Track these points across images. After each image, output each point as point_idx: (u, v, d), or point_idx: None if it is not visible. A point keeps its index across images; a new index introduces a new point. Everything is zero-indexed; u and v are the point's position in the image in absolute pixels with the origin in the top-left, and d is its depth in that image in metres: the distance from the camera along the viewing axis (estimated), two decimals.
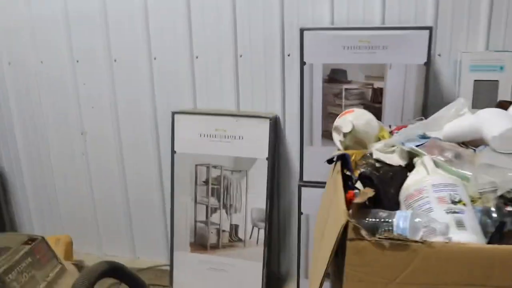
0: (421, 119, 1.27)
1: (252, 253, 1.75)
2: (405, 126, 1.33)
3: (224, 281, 1.78)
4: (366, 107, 1.54)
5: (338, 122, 1.23)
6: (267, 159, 1.68)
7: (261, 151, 1.69)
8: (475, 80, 1.54)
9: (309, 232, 1.70)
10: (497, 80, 1.54)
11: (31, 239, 1.23)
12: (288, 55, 1.72)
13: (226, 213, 1.76)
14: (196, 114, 1.74)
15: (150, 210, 2.04)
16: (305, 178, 1.65)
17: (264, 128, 1.67)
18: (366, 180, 0.96)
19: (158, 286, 1.90)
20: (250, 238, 1.75)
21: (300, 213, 1.69)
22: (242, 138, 1.69)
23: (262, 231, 1.73)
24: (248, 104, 1.82)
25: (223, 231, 1.77)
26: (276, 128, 1.72)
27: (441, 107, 1.20)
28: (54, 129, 2.03)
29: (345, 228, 0.78)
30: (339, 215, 0.84)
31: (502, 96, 1.54)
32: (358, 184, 1.03)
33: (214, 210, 1.77)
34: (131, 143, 1.97)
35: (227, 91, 1.82)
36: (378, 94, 1.53)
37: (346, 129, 1.17)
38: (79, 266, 1.41)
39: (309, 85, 1.54)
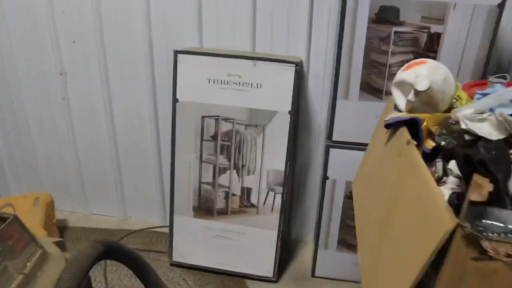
0: (504, 77, 1.01)
1: (265, 221, 1.51)
2: (483, 83, 1.07)
3: (231, 250, 1.56)
4: (417, 55, 1.27)
5: (404, 75, 0.95)
6: (289, 112, 1.41)
7: (283, 103, 1.40)
8: None
9: (334, 200, 1.47)
10: None
11: (1, 219, 0.95)
12: None
13: (238, 174, 1.50)
14: (204, 55, 1.43)
15: (143, 166, 1.77)
16: (334, 138, 1.39)
17: (288, 75, 1.38)
18: (476, 164, 0.69)
19: (155, 252, 1.67)
20: (264, 204, 1.51)
21: (325, 177, 1.44)
22: (260, 86, 1.40)
23: (278, 196, 1.49)
24: (266, 45, 1.52)
25: (233, 195, 1.52)
26: (300, 76, 1.43)
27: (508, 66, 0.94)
28: (27, 69, 1.68)
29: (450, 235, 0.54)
30: (436, 214, 0.59)
31: None
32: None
33: (223, 170, 1.51)
34: (121, 87, 1.65)
35: (240, 28, 1.50)
36: (434, 41, 1.25)
37: (422, 86, 0.89)
38: (62, 245, 1.14)
39: (351, 25, 1.24)
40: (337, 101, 1.34)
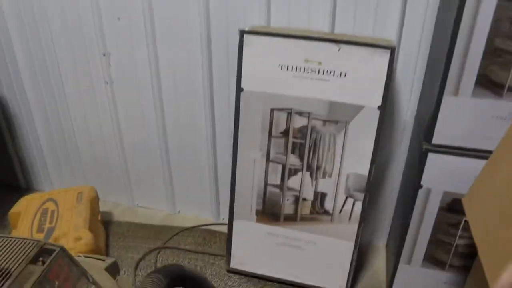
0: None
1: (341, 230, 1.30)
2: None
3: (298, 260, 1.36)
4: None
5: None
6: (379, 108, 1.16)
7: (372, 96, 1.16)
8: None
9: (425, 211, 1.23)
10: None
11: (43, 251, 0.76)
12: None
13: (311, 177, 1.28)
14: (277, 36, 1.17)
15: (196, 159, 1.56)
16: (435, 141, 1.14)
17: (380, 63, 1.12)
18: None
19: (210, 255, 1.49)
20: (340, 211, 1.29)
21: (419, 185, 1.20)
22: (345, 75, 1.15)
23: (358, 204, 1.27)
24: (347, 24, 1.26)
25: (304, 199, 1.31)
26: (393, 64, 1.17)
27: None
28: (66, 48, 1.47)
29: None
30: None
31: None
32: None
33: (294, 172, 1.29)
34: (172, 71, 1.43)
35: (317, 2, 1.24)
36: None
37: None
38: (115, 268, 0.95)
39: (475, 1, 0.97)
40: (444, 97, 1.08)
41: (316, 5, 1.24)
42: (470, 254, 1.28)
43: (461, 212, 1.22)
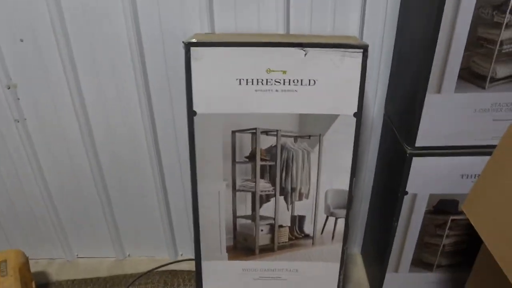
0: None
1: (324, 252, 1.17)
2: None
3: None
4: None
5: None
6: (355, 115, 1.03)
7: (347, 103, 1.02)
8: None
9: (412, 217, 1.14)
10: None
11: None
12: None
13: (286, 201, 1.12)
14: (231, 46, 0.99)
15: (142, 196, 1.34)
16: (418, 144, 1.04)
17: (353, 65, 0.99)
18: None
19: None
20: (322, 232, 1.15)
21: (404, 192, 1.10)
22: (315, 83, 1.00)
23: (340, 222, 1.14)
24: (304, 23, 1.11)
25: (281, 226, 1.15)
26: (366, 65, 1.04)
27: None
28: None
29: None
30: None
31: None
32: None
33: (266, 198, 1.12)
34: (100, 98, 1.19)
35: (266, 1, 1.07)
36: None
37: None
38: None
39: None
40: (427, 96, 0.98)
41: (266, 4, 1.07)
42: (457, 252, 1.22)
43: (448, 212, 1.14)
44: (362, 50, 0.97)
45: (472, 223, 0.89)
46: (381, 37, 1.13)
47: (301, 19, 1.10)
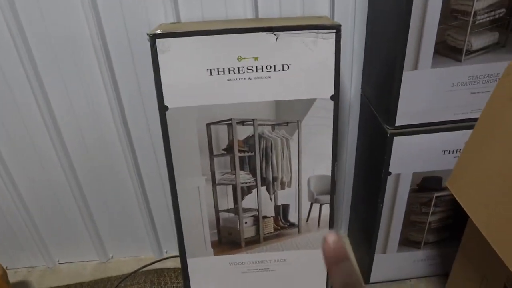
0: None
1: (311, 240, 1.15)
2: None
3: (270, 283, 1.19)
4: None
5: None
6: (332, 98, 1.00)
7: (323, 86, 0.99)
8: None
9: (396, 197, 1.12)
10: None
11: None
12: None
13: (268, 191, 1.09)
14: (198, 35, 0.94)
15: (120, 197, 1.29)
16: (399, 123, 1.02)
17: (327, 46, 0.95)
18: None
19: None
20: (307, 220, 1.13)
21: (387, 173, 1.08)
22: (288, 67, 0.97)
23: (325, 208, 1.11)
24: (272, 5, 1.07)
25: (265, 217, 1.12)
26: (340, 45, 1.00)
27: None
28: None
29: None
30: None
31: None
32: None
33: (248, 190, 1.09)
34: (66, 99, 1.13)
35: None
36: None
37: None
38: None
39: None
40: (404, 74, 0.95)
41: None
42: (443, 228, 1.21)
43: (432, 189, 1.13)
44: (335, 31, 0.94)
45: (457, 199, 0.88)
46: (353, 15, 1.09)
47: (270, 2, 1.06)
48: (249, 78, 0.97)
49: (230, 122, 1.01)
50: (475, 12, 0.90)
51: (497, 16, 0.92)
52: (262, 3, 1.06)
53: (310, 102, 1.00)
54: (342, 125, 1.25)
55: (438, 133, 1.04)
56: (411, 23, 0.89)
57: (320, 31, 0.94)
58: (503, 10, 0.91)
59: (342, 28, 0.99)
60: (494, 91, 0.82)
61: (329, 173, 1.07)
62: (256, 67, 0.96)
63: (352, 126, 1.26)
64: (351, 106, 1.22)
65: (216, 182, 1.07)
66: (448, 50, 0.94)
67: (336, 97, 1.00)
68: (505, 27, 0.93)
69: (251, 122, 1.02)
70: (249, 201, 1.10)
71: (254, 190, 1.09)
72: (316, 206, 1.11)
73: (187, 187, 1.07)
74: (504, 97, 0.79)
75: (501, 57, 0.96)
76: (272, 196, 1.10)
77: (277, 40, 0.94)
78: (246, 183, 1.08)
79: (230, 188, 1.08)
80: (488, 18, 0.92)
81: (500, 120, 0.78)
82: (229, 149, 1.04)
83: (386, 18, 0.99)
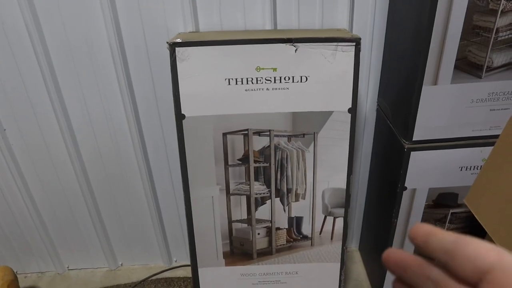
0: None
1: (323, 253, 1.14)
2: None
3: None
4: None
5: None
6: (349, 111, 0.99)
7: (341, 98, 0.98)
8: None
9: (411, 212, 1.11)
10: None
11: None
12: None
13: (282, 202, 1.09)
14: (217, 44, 0.94)
15: (132, 205, 1.29)
16: (416, 137, 1.01)
17: (346, 59, 0.95)
18: None
19: None
20: (320, 233, 1.12)
21: (403, 187, 1.07)
22: (306, 80, 0.97)
23: (339, 221, 1.10)
24: (291, 17, 1.07)
25: (278, 229, 1.11)
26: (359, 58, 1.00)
27: None
28: None
29: None
30: None
31: None
32: None
33: (262, 201, 1.08)
34: (84, 109, 1.14)
35: None
36: None
37: None
38: None
39: None
40: (423, 88, 0.94)
41: (252, 0, 1.03)
42: None
43: (448, 206, 1.11)
44: (354, 43, 0.94)
45: (475, 216, 0.87)
46: (371, 28, 1.09)
47: (288, 14, 1.06)
48: (267, 89, 0.97)
49: (246, 132, 1.01)
50: (497, 29, 0.89)
51: None
52: (281, 15, 1.06)
53: (327, 115, 1.00)
54: (357, 138, 1.24)
55: (455, 149, 1.02)
56: (432, 38, 0.88)
57: (340, 43, 0.94)
58: None
59: (363, 36, 0.98)
60: None
61: (344, 186, 1.06)
62: (275, 78, 0.96)
63: (366, 139, 1.25)
64: (366, 118, 1.22)
65: (230, 192, 1.07)
66: (468, 66, 0.93)
67: (353, 110, 0.99)
68: None
69: (268, 133, 1.02)
70: (262, 212, 1.09)
71: (268, 201, 1.08)
72: (329, 219, 1.10)
73: (201, 196, 1.06)
74: None
75: None
76: (286, 208, 1.09)
77: (296, 51, 0.94)
78: (260, 194, 1.07)
79: (244, 198, 1.08)
80: (510, 35, 0.91)
81: None
82: (245, 159, 1.04)
83: (406, 32, 0.99)
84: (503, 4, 0.87)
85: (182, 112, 0.98)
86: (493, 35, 0.90)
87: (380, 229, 1.23)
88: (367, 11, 1.07)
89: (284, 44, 0.94)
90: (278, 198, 1.08)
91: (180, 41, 0.93)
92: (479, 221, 0.85)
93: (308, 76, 0.96)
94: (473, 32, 0.89)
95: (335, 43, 0.94)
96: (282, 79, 0.96)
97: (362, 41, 1.05)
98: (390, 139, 1.10)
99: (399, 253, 0.30)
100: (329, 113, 1.00)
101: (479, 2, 0.86)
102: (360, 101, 1.19)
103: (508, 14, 0.88)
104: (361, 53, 1.09)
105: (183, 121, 0.99)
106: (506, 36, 0.91)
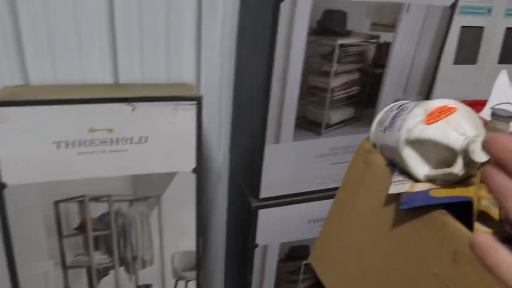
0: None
1: None
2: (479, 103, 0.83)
3: None
4: (363, 74, 0.95)
5: (435, 133, 0.59)
6: (194, 171, 0.95)
7: (184, 159, 0.94)
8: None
9: (265, 268, 1.09)
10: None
11: None
12: None
13: (128, 271, 0.99)
14: (43, 104, 0.84)
15: None
16: (263, 195, 1.00)
17: (187, 118, 0.91)
18: None
19: None
20: None
21: (254, 245, 1.05)
22: (146, 140, 0.90)
23: (191, 284, 1.04)
24: (134, 70, 1.00)
25: None
26: (201, 117, 0.96)
27: None
28: None
29: None
30: None
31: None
32: None
33: (104, 271, 0.98)
34: None
35: (91, 46, 0.95)
36: (383, 52, 0.94)
37: (482, 157, 0.56)
38: None
39: (285, 38, 0.83)
40: (266, 147, 0.94)
41: (90, 50, 0.95)
42: None
43: (299, 258, 1.12)
44: (195, 102, 0.90)
45: (318, 276, 0.87)
46: (219, 84, 1.07)
47: (131, 67, 1.00)
48: (103, 152, 0.89)
49: (82, 199, 0.91)
50: (332, 89, 0.93)
51: (351, 93, 0.96)
52: (123, 67, 0.99)
53: (171, 176, 0.94)
54: (211, 196, 1.20)
55: (303, 204, 1.04)
56: (271, 99, 0.88)
57: (180, 102, 0.90)
58: (357, 87, 0.96)
59: (209, 93, 0.95)
60: (348, 167, 0.83)
61: (194, 249, 1.01)
62: (111, 139, 0.88)
63: (221, 197, 1.21)
64: (220, 176, 1.19)
65: (67, 265, 0.95)
66: (309, 124, 0.96)
67: (198, 170, 0.95)
68: (359, 103, 0.98)
69: (107, 198, 0.93)
70: (106, 284, 0.99)
71: (112, 271, 0.98)
72: (181, 284, 1.04)
73: (31, 274, 0.93)
74: (357, 171, 0.80)
75: (356, 130, 1.00)
76: (133, 277, 1.00)
77: (133, 111, 0.88)
78: (102, 264, 0.97)
79: (83, 271, 0.96)
80: (344, 95, 0.95)
81: (354, 194, 0.79)
82: (82, 228, 0.93)
83: (249, 92, 0.99)
84: (335, 67, 0.90)
85: (3, 181, 0.86)
86: (329, 95, 0.93)
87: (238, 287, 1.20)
88: (215, 65, 1.05)
89: (119, 104, 0.87)
90: (123, 267, 0.99)
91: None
92: (322, 281, 0.85)
93: (148, 137, 0.90)
94: (310, 92, 0.91)
95: (175, 102, 0.89)
96: (120, 140, 0.89)
97: (210, 94, 1.03)
98: (240, 197, 1.08)
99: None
100: (173, 174, 0.94)
101: (314, 65, 0.89)
102: (212, 159, 1.15)
103: (341, 76, 0.92)
104: (211, 108, 1.08)
105: (5, 190, 0.86)
106: (340, 96, 0.95)
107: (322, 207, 1.05)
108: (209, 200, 1.20)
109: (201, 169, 0.95)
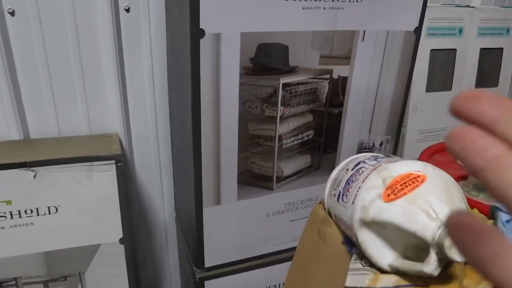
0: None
1: None
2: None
3: None
4: (318, 116, 0.79)
5: (398, 217, 0.42)
6: (121, 241, 0.79)
7: (108, 228, 0.77)
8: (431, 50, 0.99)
9: None
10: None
11: None
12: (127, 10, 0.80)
13: None
14: None
15: None
16: (209, 263, 0.83)
17: (106, 180, 0.75)
18: None
19: None
20: None
21: None
22: (56, 210, 0.74)
23: None
24: (46, 121, 0.85)
25: None
26: (125, 176, 0.81)
27: None
28: None
29: None
30: None
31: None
32: None
33: None
34: None
35: None
36: (339, 89, 0.78)
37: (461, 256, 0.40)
38: None
39: (212, 80, 0.67)
40: (204, 210, 0.78)
41: None
42: None
43: None
44: (114, 161, 0.75)
45: None
46: (154, 132, 0.92)
47: (43, 118, 0.84)
48: (2, 227, 0.73)
49: None
50: (280, 137, 0.77)
51: (306, 138, 0.80)
52: (32, 119, 0.83)
53: (94, 249, 0.78)
54: (161, 259, 1.04)
55: (258, 270, 0.87)
56: (203, 153, 0.72)
57: (95, 163, 0.74)
58: (311, 132, 0.80)
59: (142, 143, 0.80)
60: (302, 236, 0.67)
61: None
62: (11, 213, 0.72)
63: (173, 264, 1.05)
64: (167, 240, 1.02)
65: None
66: (256, 179, 0.79)
67: (126, 239, 0.79)
68: (316, 148, 0.82)
69: (13, 282, 0.76)
70: None
71: None
72: None
73: None
74: (312, 243, 0.64)
75: (316, 180, 0.84)
76: None
77: (36, 177, 0.72)
78: None
79: None
80: (296, 141, 0.80)
81: (309, 269, 0.64)
82: None
83: (180, 142, 0.83)
84: (281, 110, 0.75)
85: None
86: (277, 144, 0.77)
87: None
88: (146, 112, 0.89)
89: (18, 170, 0.71)
90: None
91: None
92: None
93: (59, 206, 0.74)
94: (252, 142, 0.76)
95: (89, 163, 0.73)
96: (22, 213, 0.73)
97: (146, 140, 0.88)
98: (187, 266, 0.91)
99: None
100: (96, 246, 0.78)
101: (253, 110, 0.73)
102: (157, 213, 0.99)
103: (289, 120, 0.77)
104: (148, 155, 0.92)
105: None
106: (291, 143, 0.79)
107: (283, 270, 0.88)
108: (160, 261, 1.04)
109: (131, 238, 0.79)
